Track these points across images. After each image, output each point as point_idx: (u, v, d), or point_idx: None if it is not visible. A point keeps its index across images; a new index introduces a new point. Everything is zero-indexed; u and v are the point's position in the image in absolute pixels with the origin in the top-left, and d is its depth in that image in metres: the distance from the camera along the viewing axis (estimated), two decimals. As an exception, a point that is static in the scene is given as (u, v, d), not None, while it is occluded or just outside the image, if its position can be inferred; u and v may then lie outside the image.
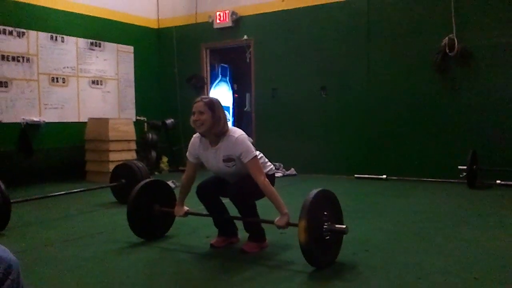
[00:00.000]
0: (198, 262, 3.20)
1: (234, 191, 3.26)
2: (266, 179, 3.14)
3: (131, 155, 7.45)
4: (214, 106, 3.20)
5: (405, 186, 6.38)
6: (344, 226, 2.95)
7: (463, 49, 6.38)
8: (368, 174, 7.05)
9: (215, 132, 3.20)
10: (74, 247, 3.55)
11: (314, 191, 2.93)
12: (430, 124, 6.76)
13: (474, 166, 5.94)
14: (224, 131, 3.22)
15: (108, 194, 5.47)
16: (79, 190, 5.39)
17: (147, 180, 3.91)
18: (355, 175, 7.14)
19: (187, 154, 3.44)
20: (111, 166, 6.06)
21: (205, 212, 3.55)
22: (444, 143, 6.65)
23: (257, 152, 3.31)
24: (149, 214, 3.65)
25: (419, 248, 3.36)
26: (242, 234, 3.52)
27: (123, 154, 7.30)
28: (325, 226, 2.89)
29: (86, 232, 4.02)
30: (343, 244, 3.08)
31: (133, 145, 7.62)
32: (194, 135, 3.39)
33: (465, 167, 5.87)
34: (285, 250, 3.37)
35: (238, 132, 3.25)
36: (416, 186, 6.31)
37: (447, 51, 6.43)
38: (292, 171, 7.67)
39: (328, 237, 2.91)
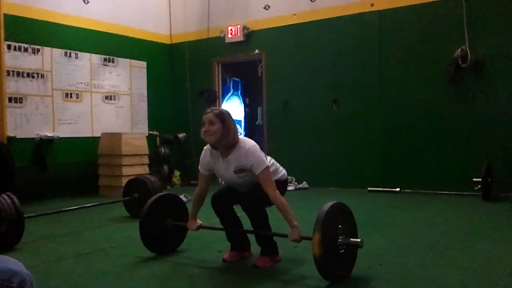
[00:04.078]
0: (211, 277, 3.18)
1: (245, 199, 3.25)
2: (277, 191, 3.12)
3: (144, 170, 7.48)
4: (225, 117, 3.19)
5: (419, 199, 6.31)
6: (359, 240, 2.91)
7: (476, 60, 6.34)
8: (382, 187, 6.99)
9: (225, 143, 3.19)
10: (87, 261, 3.56)
11: (328, 204, 2.91)
12: (444, 136, 6.70)
13: (489, 179, 5.86)
14: (235, 142, 3.20)
15: (121, 208, 5.49)
16: (92, 204, 5.42)
17: (160, 194, 3.92)
18: (368, 188, 7.08)
19: (199, 166, 3.44)
20: (124, 181, 6.09)
21: (218, 225, 3.54)
22: (458, 155, 6.58)
23: (269, 158, 3.32)
24: (162, 228, 3.65)
25: (435, 261, 3.31)
26: (255, 248, 3.49)
27: (136, 168, 7.33)
28: (339, 240, 2.86)
29: (98, 246, 4.02)
30: (357, 258, 3.04)
31: (146, 160, 7.65)
32: (205, 147, 3.39)
33: (479, 179, 5.80)
34: (299, 265, 3.33)
35: (248, 143, 3.23)
36: (430, 199, 6.24)
37: (460, 62, 6.39)
38: (304, 184, 7.64)
39: (342, 251, 2.87)
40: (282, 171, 3.44)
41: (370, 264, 3.22)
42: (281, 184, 3.33)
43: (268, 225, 3.33)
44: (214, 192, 3.44)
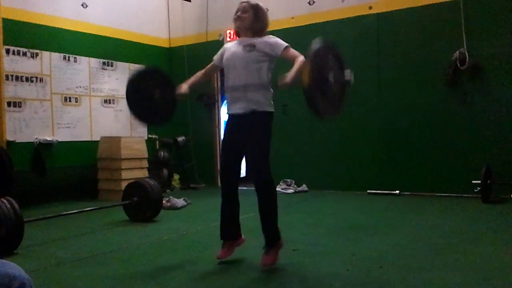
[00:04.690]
0: (212, 282, 3.18)
1: (256, 179, 3.27)
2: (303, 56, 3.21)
3: (143, 173, 7.48)
4: (258, 10, 3.39)
5: (418, 201, 6.31)
6: (348, 74, 2.95)
7: (474, 62, 6.35)
8: (381, 190, 6.99)
9: (252, 33, 3.36)
10: (86, 266, 3.55)
11: (319, 40, 2.96)
12: (443, 139, 6.71)
13: (488, 181, 5.87)
14: (261, 34, 3.37)
15: (120, 212, 5.48)
16: (91, 208, 5.41)
17: (147, 67, 3.87)
18: (368, 191, 7.08)
19: (215, 56, 3.60)
20: (124, 184, 6.07)
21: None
22: (457, 158, 6.59)
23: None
24: (150, 98, 3.62)
25: (435, 264, 3.31)
26: (255, 244, 3.49)
27: (135, 172, 7.33)
28: (330, 74, 2.87)
29: (98, 251, 4.02)
30: (356, 261, 3.04)
31: (145, 163, 7.65)
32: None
33: (479, 181, 5.80)
34: (299, 273, 3.33)
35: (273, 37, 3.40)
36: (429, 201, 6.24)
37: (459, 65, 6.40)
38: (303, 187, 7.64)
39: (332, 87, 2.90)
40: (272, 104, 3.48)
41: (369, 267, 3.22)
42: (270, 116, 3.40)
43: (275, 210, 3.33)
44: (221, 165, 3.50)
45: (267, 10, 7.97)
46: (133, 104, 3.60)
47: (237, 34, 3.49)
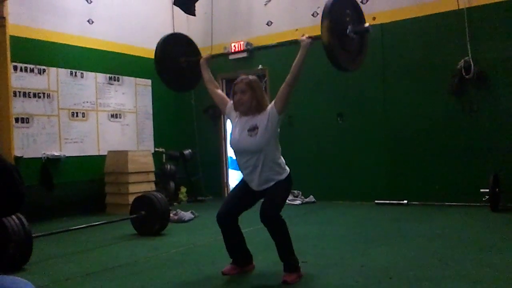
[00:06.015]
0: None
1: (263, 211, 3.23)
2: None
3: (150, 187, 7.50)
4: (254, 85, 3.45)
5: (427, 211, 6.28)
6: (367, 24, 2.92)
7: (479, 71, 6.35)
8: (389, 200, 6.96)
9: (255, 111, 3.42)
10: (95, 280, 3.55)
11: None
12: (450, 148, 6.69)
13: (497, 189, 5.83)
14: (264, 107, 3.43)
15: (128, 226, 5.49)
16: (99, 223, 5.42)
17: (170, 34, 4.03)
18: (375, 201, 7.06)
19: (223, 96, 3.75)
20: (131, 198, 6.10)
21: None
22: (465, 167, 6.56)
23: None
24: (177, 66, 3.83)
25: (445, 274, 3.29)
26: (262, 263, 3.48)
27: (142, 185, 7.34)
28: (349, 26, 2.84)
29: (106, 265, 4.02)
30: (366, 272, 3.03)
31: (152, 177, 7.67)
32: None
33: (487, 190, 5.77)
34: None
35: None
36: (438, 211, 6.20)
37: (464, 73, 6.40)
38: (311, 198, 7.62)
39: (352, 38, 2.85)
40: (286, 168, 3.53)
41: (380, 278, 3.20)
42: (289, 179, 3.43)
43: (289, 239, 3.31)
44: (219, 209, 3.46)
45: (271, 23, 8.01)
46: (162, 70, 3.79)
47: (243, 113, 3.49)
